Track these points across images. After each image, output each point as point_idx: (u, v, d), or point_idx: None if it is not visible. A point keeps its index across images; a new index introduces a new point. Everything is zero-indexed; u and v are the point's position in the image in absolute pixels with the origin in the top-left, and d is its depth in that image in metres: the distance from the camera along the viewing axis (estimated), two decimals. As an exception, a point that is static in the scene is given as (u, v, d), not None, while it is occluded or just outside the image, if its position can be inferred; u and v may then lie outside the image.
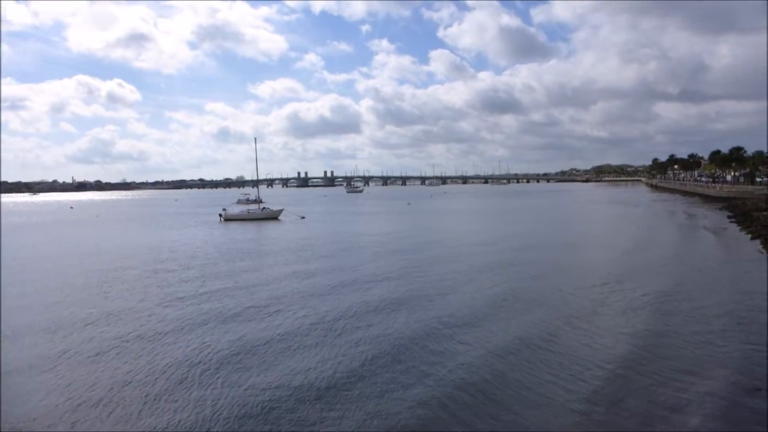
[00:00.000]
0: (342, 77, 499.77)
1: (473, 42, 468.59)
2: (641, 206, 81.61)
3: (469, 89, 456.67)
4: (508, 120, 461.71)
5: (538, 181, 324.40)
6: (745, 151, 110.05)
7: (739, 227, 44.45)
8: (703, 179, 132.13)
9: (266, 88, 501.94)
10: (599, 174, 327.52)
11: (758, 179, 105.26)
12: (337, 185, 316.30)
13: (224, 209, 71.16)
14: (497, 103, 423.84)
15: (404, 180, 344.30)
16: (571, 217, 68.33)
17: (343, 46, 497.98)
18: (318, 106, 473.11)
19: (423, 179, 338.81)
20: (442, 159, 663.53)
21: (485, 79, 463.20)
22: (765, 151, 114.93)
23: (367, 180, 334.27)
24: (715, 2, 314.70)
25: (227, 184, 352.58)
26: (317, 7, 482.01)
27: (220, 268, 29.48)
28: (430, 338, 15.45)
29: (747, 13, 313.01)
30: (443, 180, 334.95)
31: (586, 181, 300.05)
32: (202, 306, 20.24)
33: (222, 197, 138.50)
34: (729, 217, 53.56)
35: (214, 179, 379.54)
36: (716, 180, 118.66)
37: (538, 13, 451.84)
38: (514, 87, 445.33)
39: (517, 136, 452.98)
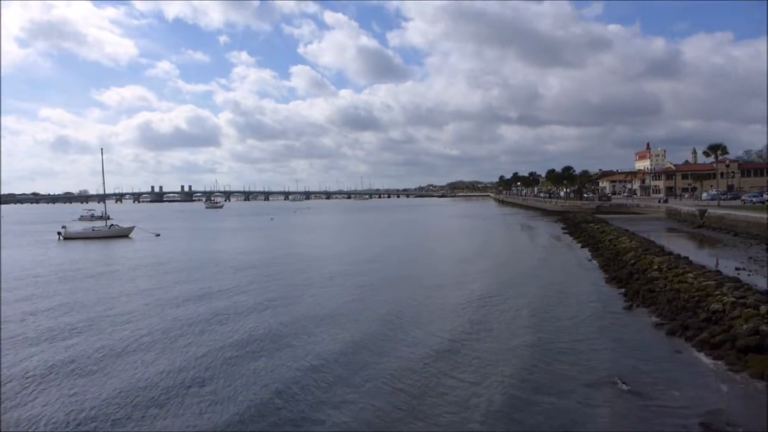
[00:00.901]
0: (200, 88, 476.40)
1: (333, 60, 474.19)
2: (494, 220, 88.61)
3: (330, 106, 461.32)
4: (368, 137, 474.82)
5: (398, 197, 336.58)
6: (574, 170, 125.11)
7: (571, 237, 50.12)
8: (542, 195, 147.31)
9: (113, 95, 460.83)
10: (453, 190, 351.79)
11: (585, 195, 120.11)
12: (195, 200, 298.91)
13: (64, 227, 63.40)
14: (357, 121, 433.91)
15: (267, 195, 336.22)
16: (437, 230, 71.91)
17: (200, 56, 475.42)
18: (173, 116, 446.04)
19: (286, 194, 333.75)
20: (305, 174, 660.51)
21: (346, 96, 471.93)
22: (589, 170, 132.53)
23: (228, 195, 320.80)
24: (543, 38, 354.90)
25: (68, 198, 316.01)
26: (170, 13, 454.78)
27: (53, 297, 25.61)
28: (296, 386, 13.14)
29: (569, 50, 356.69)
30: (307, 195, 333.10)
31: (442, 196, 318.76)
32: (31, 349, 17.36)
33: (61, 213, 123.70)
34: (563, 228, 60.18)
35: (52, 193, 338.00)
36: (552, 195, 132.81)
37: (393, 37, 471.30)
38: (373, 105, 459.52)
39: (378, 152, 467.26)
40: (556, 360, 14.77)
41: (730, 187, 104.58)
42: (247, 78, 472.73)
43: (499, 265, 34.00)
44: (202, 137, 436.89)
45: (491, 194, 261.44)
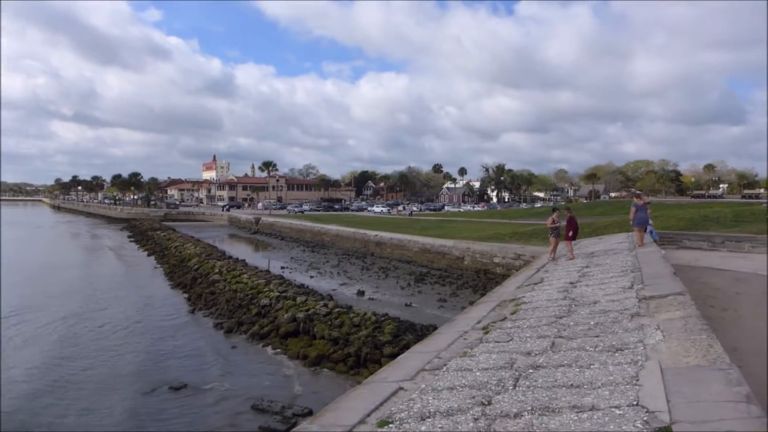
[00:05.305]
0: None
1: None
2: (49, 228, 76.29)
3: None
4: None
5: None
6: (142, 177, 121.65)
7: (137, 246, 48.24)
8: (107, 201, 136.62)
9: None
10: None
11: (153, 202, 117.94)
12: None
13: None
14: None
15: None
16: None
17: None
18: None
19: None
20: None
21: None
22: (158, 177, 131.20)
23: None
24: (98, 33, 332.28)
25: None
26: None
27: None
28: None
29: (128, 52, 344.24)
30: None
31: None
32: None
33: None
34: (129, 236, 57.38)
35: None
36: (118, 202, 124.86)
37: None
38: None
39: None
40: (115, 369, 14.04)
41: (279, 199, 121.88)
42: None
43: (52, 279, 29.47)
44: None
45: (45, 199, 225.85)
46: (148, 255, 41.01)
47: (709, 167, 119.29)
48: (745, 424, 3.50)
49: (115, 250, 45.74)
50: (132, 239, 54.15)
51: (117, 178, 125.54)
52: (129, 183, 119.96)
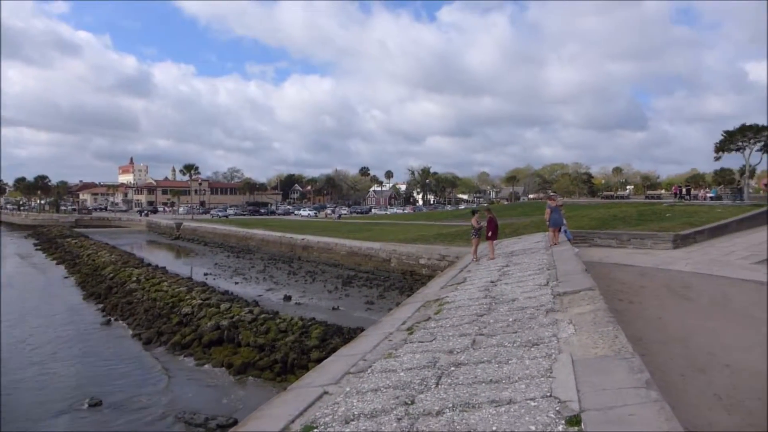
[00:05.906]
0: None
1: None
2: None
3: None
4: None
5: None
6: (50, 180, 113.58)
7: (45, 254, 44.93)
8: (9, 206, 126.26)
9: None
10: None
11: (63, 207, 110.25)
12: None
13: None
14: None
15: None
16: None
17: None
18: None
19: None
20: None
21: None
22: (68, 181, 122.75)
23: None
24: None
25: None
26: None
27: None
28: None
29: (31, 46, 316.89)
30: None
31: None
32: None
33: None
34: (36, 244, 53.33)
35: None
36: (22, 207, 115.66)
37: None
38: None
39: None
40: (23, 390, 12.92)
41: (202, 203, 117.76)
42: None
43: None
44: None
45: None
46: (57, 264, 38.32)
47: (618, 170, 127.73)
48: (645, 408, 3.78)
49: (20, 259, 42.34)
50: (39, 248, 50.35)
51: (21, 181, 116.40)
52: (35, 187, 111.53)
